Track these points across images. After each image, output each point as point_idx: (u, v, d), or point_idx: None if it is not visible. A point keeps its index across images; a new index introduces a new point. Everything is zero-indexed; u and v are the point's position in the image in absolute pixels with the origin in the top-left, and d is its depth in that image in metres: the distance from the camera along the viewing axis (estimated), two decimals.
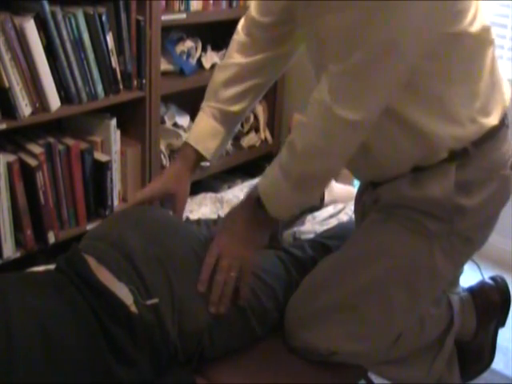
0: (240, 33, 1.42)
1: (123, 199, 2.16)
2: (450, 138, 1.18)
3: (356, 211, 1.52)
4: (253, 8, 1.38)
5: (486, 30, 1.17)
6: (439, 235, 1.24)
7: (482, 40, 1.18)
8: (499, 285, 1.52)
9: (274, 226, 1.33)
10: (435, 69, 1.13)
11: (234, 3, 2.41)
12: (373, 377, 1.73)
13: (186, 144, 1.44)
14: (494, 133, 1.22)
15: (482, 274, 1.59)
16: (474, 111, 1.19)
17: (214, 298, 1.19)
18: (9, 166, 1.71)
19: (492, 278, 1.54)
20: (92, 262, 1.18)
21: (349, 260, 1.32)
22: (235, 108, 1.41)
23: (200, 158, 1.43)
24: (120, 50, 1.97)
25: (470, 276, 1.58)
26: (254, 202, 1.23)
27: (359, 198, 1.48)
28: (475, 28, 1.14)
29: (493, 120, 1.21)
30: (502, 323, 1.52)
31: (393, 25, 1.02)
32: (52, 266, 1.28)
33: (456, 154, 1.19)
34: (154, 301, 1.15)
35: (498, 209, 1.29)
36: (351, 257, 1.32)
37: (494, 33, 1.19)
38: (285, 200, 1.21)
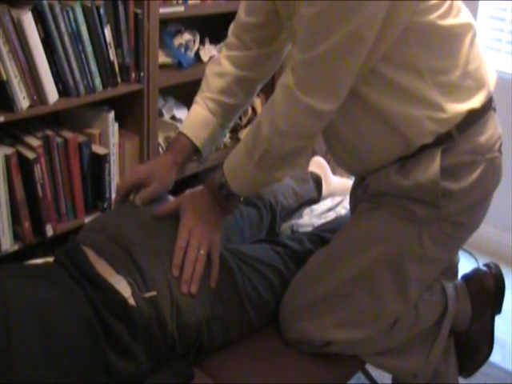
0: (229, 36, 1.47)
1: None
2: (430, 122, 1.19)
3: (350, 203, 1.53)
4: (240, 8, 1.42)
5: (462, 20, 1.19)
6: (427, 220, 1.25)
7: (458, 30, 1.19)
8: (493, 271, 1.52)
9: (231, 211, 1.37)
10: (406, 58, 1.15)
11: None
12: (373, 376, 1.74)
13: (179, 134, 1.47)
14: (479, 117, 1.23)
15: (478, 265, 1.59)
16: (451, 97, 1.19)
17: (186, 277, 1.20)
18: (7, 158, 1.70)
19: (486, 265, 1.55)
20: (91, 254, 1.19)
21: (339, 250, 1.34)
22: (228, 99, 1.44)
23: (192, 148, 1.45)
24: (118, 43, 1.96)
25: (467, 268, 1.59)
26: (216, 183, 1.28)
27: (353, 191, 1.49)
28: (449, 20, 1.15)
29: (473, 103, 1.21)
30: (498, 310, 1.52)
31: (358, 16, 1.04)
32: (50, 259, 1.28)
33: (441, 138, 1.20)
34: (152, 293, 1.16)
35: (487, 192, 1.30)
36: (342, 247, 1.34)
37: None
38: (247, 178, 1.25)
